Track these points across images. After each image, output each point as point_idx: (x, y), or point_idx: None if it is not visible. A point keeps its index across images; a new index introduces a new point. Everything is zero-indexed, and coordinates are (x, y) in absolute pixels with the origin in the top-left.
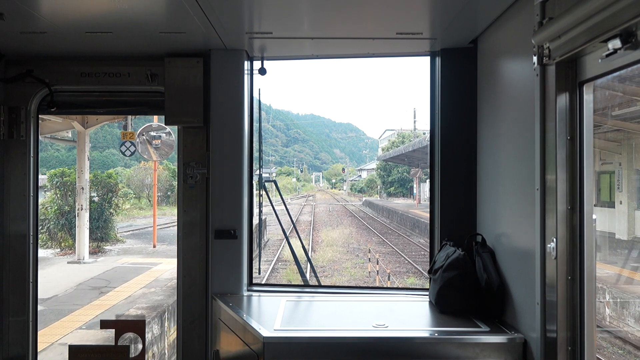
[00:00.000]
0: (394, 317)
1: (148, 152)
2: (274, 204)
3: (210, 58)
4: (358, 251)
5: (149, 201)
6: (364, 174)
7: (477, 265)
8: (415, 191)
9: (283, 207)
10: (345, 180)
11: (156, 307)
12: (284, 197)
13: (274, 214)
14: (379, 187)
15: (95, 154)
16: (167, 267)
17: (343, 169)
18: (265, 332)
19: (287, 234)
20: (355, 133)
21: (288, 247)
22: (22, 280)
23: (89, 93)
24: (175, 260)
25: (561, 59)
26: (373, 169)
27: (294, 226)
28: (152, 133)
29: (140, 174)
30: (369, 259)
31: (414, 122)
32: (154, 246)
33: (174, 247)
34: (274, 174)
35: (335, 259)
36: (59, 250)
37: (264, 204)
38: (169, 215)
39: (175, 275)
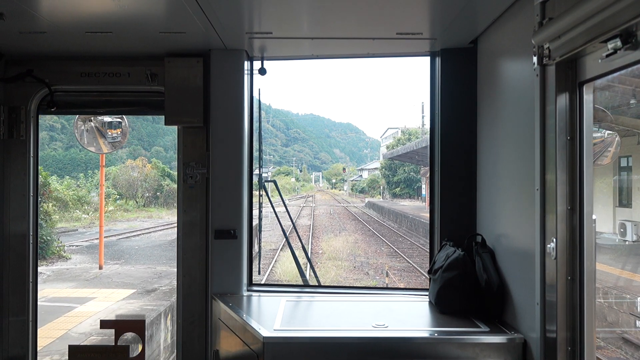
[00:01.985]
0: (394, 317)
1: (97, 143)
2: (272, 205)
3: (210, 58)
4: (367, 267)
5: (136, 202)
6: (365, 174)
7: (477, 265)
8: (424, 192)
9: (282, 208)
10: (345, 180)
11: None
12: (282, 198)
13: (274, 215)
14: (381, 187)
15: (92, 153)
16: (97, 307)
17: (344, 169)
18: (265, 332)
19: (287, 234)
20: (355, 133)
21: (281, 263)
22: (22, 280)
23: (89, 93)
24: (121, 292)
25: (561, 59)
26: (375, 168)
27: (297, 232)
28: (106, 119)
29: (126, 173)
30: (387, 284)
31: (422, 117)
32: (100, 267)
33: (129, 269)
34: (270, 174)
35: (340, 278)
36: None
37: (263, 204)
38: (156, 218)
39: (105, 321)
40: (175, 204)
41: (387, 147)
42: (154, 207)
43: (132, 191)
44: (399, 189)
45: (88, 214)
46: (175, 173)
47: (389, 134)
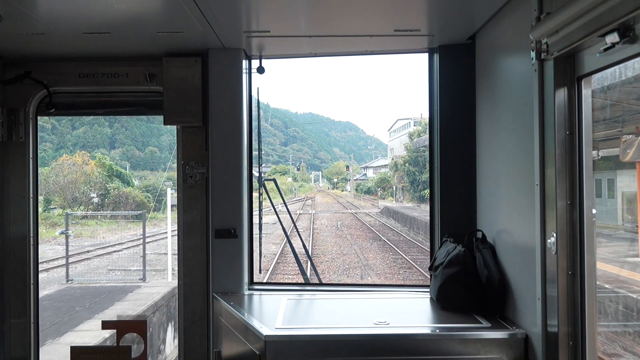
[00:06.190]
0: (395, 314)
1: None
2: (273, 204)
3: (209, 57)
4: None
5: (72, 210)
6: (370, 172)
7: (477, 261)
8: None
9: (277, 210)
10: (348, 180)
11: None
12: (278, 200)
13: (275, 214)
14: (394, 187)
15: (82, 153)
16: None
17: (347, 167)
18: (267, 331)
19: (288, 233)
20: (355, 132)
21: (278, 273)
22: (23, 282)
23: (87, 94)
24: None
25: (559, 54)
26: (384, 165)
27: (299, 234)
28: None
29: (61, 173)
30: None
31: None
32: None
33: None
34: (261, 173)
35: None
36: None
37: (263, 203)
38: (85, 238)
39: None
40: (130, 214)
41: (411, 136)
42: (94, 219)
43: (65, 197)
44: (428, 190)
45: None
46: (128, 172)
47: (398, 126)
